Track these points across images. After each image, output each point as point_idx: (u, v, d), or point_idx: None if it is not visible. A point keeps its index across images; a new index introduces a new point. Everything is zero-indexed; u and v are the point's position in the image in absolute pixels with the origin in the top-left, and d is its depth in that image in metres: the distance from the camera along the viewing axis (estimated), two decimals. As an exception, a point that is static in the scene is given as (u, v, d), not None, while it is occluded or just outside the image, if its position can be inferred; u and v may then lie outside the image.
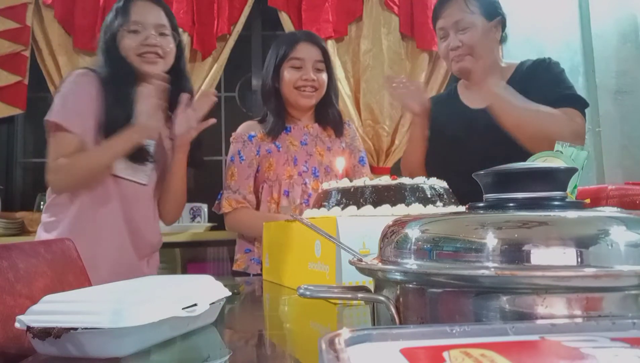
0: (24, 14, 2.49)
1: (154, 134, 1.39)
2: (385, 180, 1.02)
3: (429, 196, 1.01)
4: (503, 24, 1.52)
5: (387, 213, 0.95)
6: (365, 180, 1.03)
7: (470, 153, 1.40)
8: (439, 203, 1.00)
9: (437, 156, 1.53)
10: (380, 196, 0.99)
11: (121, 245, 1.40)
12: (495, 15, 1.49)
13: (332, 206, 1.03)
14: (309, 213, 1.06)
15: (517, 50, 2.63)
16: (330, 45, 2.63)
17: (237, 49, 2.69)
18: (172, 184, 1.48)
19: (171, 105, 1.46)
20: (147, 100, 1.33)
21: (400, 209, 0.96)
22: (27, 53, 2.50)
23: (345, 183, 1.05)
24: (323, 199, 1.07)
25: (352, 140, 1.73)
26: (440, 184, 1.07)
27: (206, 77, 2.61)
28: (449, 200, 1.05)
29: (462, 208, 1.03)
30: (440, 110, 1.53)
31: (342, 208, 1.00)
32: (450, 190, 1.10)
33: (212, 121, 1.44)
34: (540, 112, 1.31)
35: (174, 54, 1.46)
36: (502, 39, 1.53)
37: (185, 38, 2.59)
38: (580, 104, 1.38)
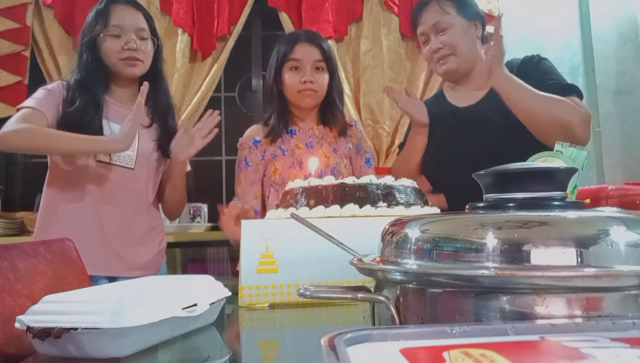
0: (24, 14, 2.49)
1: (126, 149, 1.44)
2: (327, 180, 1.00)
3: (372, 196, 0.98)
4: (483, 25, 1.54)
5: (319, 214, 0.95)
6: (312, 180, 1.02)
7: (462, 151, 1.40)
8: (381, 203, 0.97)
9: (431, 157, 1.53)
10: (318, 197, 0.98)
11: (97, 230, 1.45)
12: (473, 15, 1.51)
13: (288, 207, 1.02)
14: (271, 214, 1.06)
15: (517, 50, 2.61)
16: (330, 45, 2.62)
17: (237, 49, 2.69)
18: (175, 189, 1.59)
19: (151, 102, 1.56)
20: (133, 121, 1.38)
21: (334, 211, 0.96)
22: (27, 53, 2.50)
23: (298, 183, 1.05)
24: (283, 200, 1.07)
25: (360, 141, 1.71)
26: (387, 181, 1.03)
27: (206, 77, 2.61)
28: (402, 199, 1.01)
29: (431, 209, 1.01)
30: (430, 112, 1.54)
31: (284, 208, 1.00)
32: (413, 188, 1.06)
33: (215, 131, 1.52)
34: (551, 98, 1.31)
35: (152, 56, 1.54)
36: (484, 39, 1.54)
37: (185, 38, 2.59)
38: (577, 92, 1.39)
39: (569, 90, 1.38)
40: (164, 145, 1.56)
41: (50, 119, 1.40)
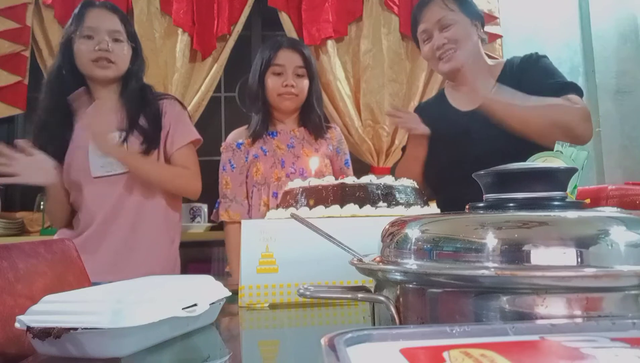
0: (24, 14, 2.50)
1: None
2: (327, 180, 1.01)
3: (372, 196, 0.98)
4: (482, 25, 1.54)
5: (319, 214, 0.95)
6: (312, 180, 1.03)
7: (464, 154, 1.39)
8: (381, 203, 0.97)
9: (432, 160, 1.52)
10: (318, 197, 0.98)
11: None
12: (475, 15, 1.51)
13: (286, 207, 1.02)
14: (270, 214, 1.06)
15: (517, 50, 2.62)
16: (330, 45, 2.63)
17: (237, 49, 2.69)
18: (150, 181, 1.53)
19: (132, 106, 1.53)
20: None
21: (334, 211, 0.96)
22: (27, 53, 2.50)
23: (298, 183, 1.05)
24: (283, 201, 1.08)
25: (339, 143, 1.79)
26: (387, 181, 1.03)
27: (206, 77, 2.61)
28: (402, 199, 1.01)
29: (431, 209, 1.01)
30: (431, 114, 1.53)
31: (283, 208, 1.01)
32: (413, 188, 1.06)
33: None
34: (543, 104, 1.30)
35: (129, 59, 1.53)
36: (483, 40, 1.54)
37: (185, 38, 2.59)
38: (576, 90, 1.38)
39: (568, 88, 1.38)
40: (148, 143, 1.54)
41: None
